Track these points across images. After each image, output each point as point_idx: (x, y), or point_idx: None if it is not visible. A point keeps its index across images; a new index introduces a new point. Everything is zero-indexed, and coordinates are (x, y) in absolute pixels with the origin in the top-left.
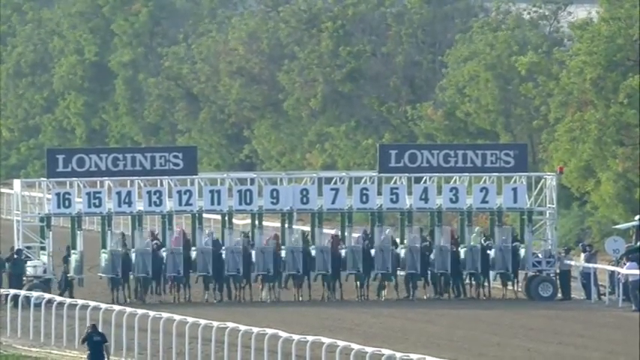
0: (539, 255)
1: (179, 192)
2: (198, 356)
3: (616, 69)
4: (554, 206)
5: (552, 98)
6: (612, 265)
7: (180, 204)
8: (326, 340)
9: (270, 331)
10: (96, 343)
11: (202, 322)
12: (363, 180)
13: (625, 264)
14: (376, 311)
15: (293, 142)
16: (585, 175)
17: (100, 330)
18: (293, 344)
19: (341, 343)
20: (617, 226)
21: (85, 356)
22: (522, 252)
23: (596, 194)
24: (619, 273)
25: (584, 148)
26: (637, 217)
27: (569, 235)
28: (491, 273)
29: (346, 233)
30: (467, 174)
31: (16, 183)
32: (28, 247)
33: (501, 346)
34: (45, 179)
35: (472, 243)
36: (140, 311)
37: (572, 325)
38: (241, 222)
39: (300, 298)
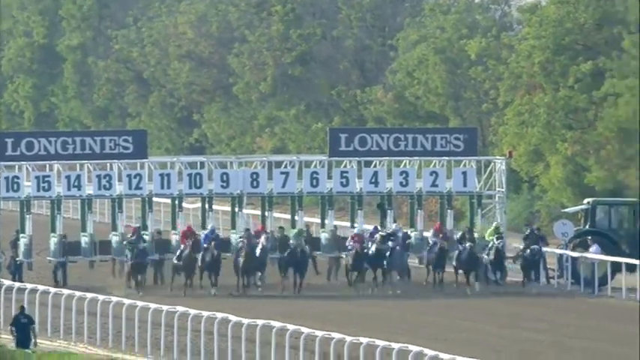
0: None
1: (129, 176)
2: (136, 336)
3: (564, 53)
4: (503, 190)
5: (501, 82)
6: (560, 249)
7: (130, 188)
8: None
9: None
10: (23, 325)
11: (138, 303)
12: (314, 164)
13: (571, 247)
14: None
15: (243, 125)
16: (534, 159)
17: (31, 312)
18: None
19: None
20: (565, 210)
21: (12, 338)
22: (475, 236)
23: (545, 178)
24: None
25: (533, 132)
26: (585, 201)
27: (518, 218)
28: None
29: (297, 217)
30: (417, 158)
31: None
32: None
33: (470, 331)
34: None
35: (487, 238)
36: (90, 295)
37: (534, 310)
38: (191, 206)
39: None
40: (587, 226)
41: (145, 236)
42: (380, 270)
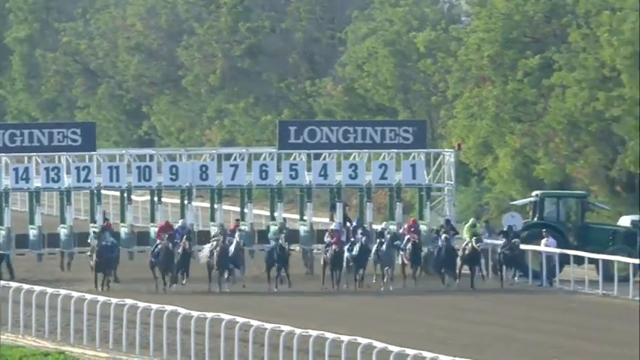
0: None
1: (77, 168)
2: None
3: (513, 46)
4: (452, 182)
5: (450, 75)
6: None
7: (78, 180)
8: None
9: (173, 308)
10: None
11: (94, 298)
12: (263, 156)
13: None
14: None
15: (192, 118)
16: (483, 152)
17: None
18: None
19: (255, 323)
20: (514, 202)
21: None
22: (423, 228)
23: (494, 170)
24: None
25: (482, 125)
26: (534, 194)
27: (467, 211)
28: None
29: (246, 210)
30: (366, 150)
31: None
32: None
33: (405, 323)
34: None
35: (466, 235)
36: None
37: (476, 303)
38: (140, 198)
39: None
40: (535, 219)
41: (123, 229)
42: (361, 269)
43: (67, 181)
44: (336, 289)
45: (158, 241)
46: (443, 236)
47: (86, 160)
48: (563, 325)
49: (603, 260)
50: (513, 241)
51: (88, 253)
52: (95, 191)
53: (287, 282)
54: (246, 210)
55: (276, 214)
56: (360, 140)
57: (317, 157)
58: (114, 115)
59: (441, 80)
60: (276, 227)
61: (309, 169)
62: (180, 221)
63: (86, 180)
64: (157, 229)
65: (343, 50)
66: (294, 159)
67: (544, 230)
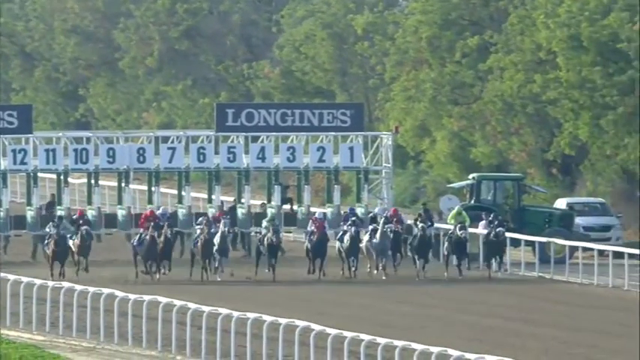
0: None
1: (14, 151)
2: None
3: (451, 28)
4: (390, 165)
5: (388, 57)
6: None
7: (15, 163)
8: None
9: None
10: None
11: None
12: (200, 139)
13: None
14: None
15: (129, 100)
16: (421, 134)
17: None
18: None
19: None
20: (451, 185)
21: None
22: (360, 211)
23: (432, 153)
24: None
25: (419, 107)
26: (471, 176)
27: (404, 193)
28: None
29: (183, 193)
30: (304, 133)
31: None
32: None
33: (337, 305)
34: None
35: (449, 221)
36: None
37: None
38: (77, 181)
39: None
40: (472, 202)
41: (91, 211)
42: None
43: (4, 163)
44: (319, 278)
45: (142, 230)
46: (420, 225)
47: (22, 142)
48: (502, 308)
49: (540, 242)
50: (498, 230)
51: (45, 241)
52: (31, 174)
53: (272, 274)
54: (183, 193)
55: (213, 196)
56: (298, 123)
57: (255, 139)
58: (50, 97)
59: (378, 63)
60: (269, 218)
61: (246, 152)
62: (161, 208)
63: (22, 163)
64: (141, 218)
65: (281, 33)
66: (232, 142)
67: (483, 213)
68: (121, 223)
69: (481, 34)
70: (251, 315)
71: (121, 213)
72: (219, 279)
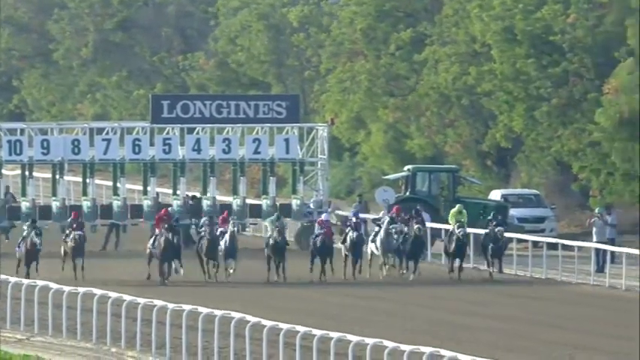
0: (311, 205)
1: None
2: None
3: (386, 19)
4: (325, 157)
5: (323, 49)
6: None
7: None
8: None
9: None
10: None
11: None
12: (136, 130)
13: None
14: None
15: (64, 92)
16: (356, 126)
17: None
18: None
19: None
20: (386, 177)
21: None
22: (294, 203)
23: (367, 145)
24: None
25: (354, 99)
26: (406, 168)
27: (340, 185)
28: None
29: (118, 185)
30: (239, 125)
31: None
32: None
33: (289, 298)
34: None
35: (450, 221)
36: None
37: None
38: (11, 172)
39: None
40: (407, 193)
41: (25, 203)
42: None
43: None
44: (324, 281)
45: (157, 231)
46: (415, 227)
47: None
48: (441, 300)
49: (474, 234)
50: (497, 230)
51: (19, 240)
52: None
53: (282, 276)
54: (118, 184)
55: (149, 188)
56: (234, 115)
57: (190, 131)
58: None
59: (314, 55)
60: (274, 217)
61: (182, 144)
62: (171, 208)
63: None
64: (155, 219)
65: (216, 24)
66: (167, 133)
67: (418, 205)
68: (55, 215)
69: (416, 26)
70: (186, 307)
71: (55, 205)
72: (229, 276)
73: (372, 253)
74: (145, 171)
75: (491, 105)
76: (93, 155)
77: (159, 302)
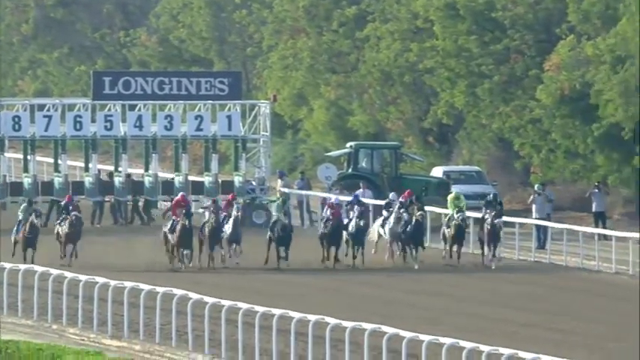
0: (253, 182)
1: None
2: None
3: None
4: (268, 134)
5: (266, 26)
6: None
7: None
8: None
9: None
10: None
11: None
12: (77, 107)
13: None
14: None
15: (4, 68)
16: (298, 103)
17: None
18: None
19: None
20: (329, 154)
21: None
22: (237, 180)
23: (309, 122)
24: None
25: (297, 76)
26: (348, 145)
27: (282, 162)
28: None
29: (60, 161)
30: (181, 101)
31: None
32: None
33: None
34: None
35: (450, 208)
36: None
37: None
38: None
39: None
40: (350, 170)
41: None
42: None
43: None
44: (334, 267)
45: (174, 217)
46: (418, 213)
47: None
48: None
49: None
50: (496, 221)
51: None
52: None
53: (285, 261)
54: (60, 161)
55: (90, 165)
56: (176, 91)
57: (132, 108)
58: None
59: (256, 31)
60: (279, 201)
61: (124, 121)
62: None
63: None
64: (172, 204)
65: (157, 0)
66: (109, 110)
67: (361, 183)
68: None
69: (358, 3)
70: (128, 284)
71: None
72: (236, 262)
73: (380, 236)
74: (86, 148)
75: (433, 82)
76: (34, 132)
77: (101, 279)
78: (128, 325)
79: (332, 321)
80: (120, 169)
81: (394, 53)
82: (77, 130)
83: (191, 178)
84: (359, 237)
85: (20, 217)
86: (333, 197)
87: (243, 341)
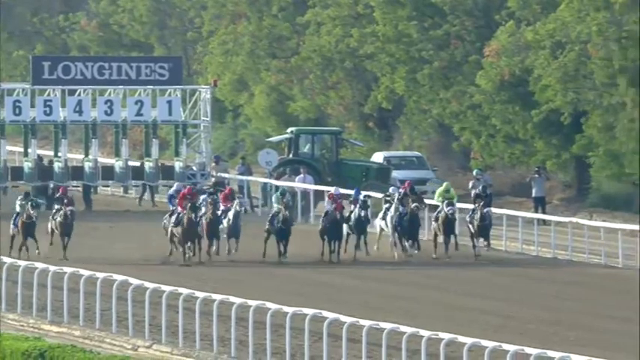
0: (194, 168)
1: None
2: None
3: None
4: (208, 119)
5: (206, 11)
6: (266, 178)
7: None
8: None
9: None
10: None
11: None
12: (16, 92)
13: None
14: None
15: None
16: (239, 88)
17: None
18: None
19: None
20: (270, 139)
21: None
22: (177, 165)
23: (250, 107)
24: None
25: (237, 61)
26: (289, 130)
27: (223, 147)
28: None
29: None
30: (121, 87)
31: None
32: None
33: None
34: None
35: (437, 200)
36: None
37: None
38: None
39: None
40: (290, 155)
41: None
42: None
43: None
44: (336, 261)
45: (179, 210)
46: (413, 205)
47: None
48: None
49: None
50: (485, 210)
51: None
52: None
53: (283, 255)
54: None
55: (29, 150)
56: (116, 76)
57: (71, 93)
58: None
59: (196, 16)
60: (279, 192)
61: (63, 106)
62: (176, 184)
63: None
64: (178, 197)
65: None
66: (48, 95)
67: (301, 168)
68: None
69: None
70: (68, 269)
71: None
72: (234, 252)
73: (382, 230)
74: (25, 133)
75: (373, 67)
76: None
77: (68, 269)
78: (68, 311)
79: (292, 309)
80: (59, 154)
81: (335, 39)
82: (16, 115)
83: (131, 163)
84: (361, 227)
85: (18, 210)
86: (333, 188)
87: (184, 327)
